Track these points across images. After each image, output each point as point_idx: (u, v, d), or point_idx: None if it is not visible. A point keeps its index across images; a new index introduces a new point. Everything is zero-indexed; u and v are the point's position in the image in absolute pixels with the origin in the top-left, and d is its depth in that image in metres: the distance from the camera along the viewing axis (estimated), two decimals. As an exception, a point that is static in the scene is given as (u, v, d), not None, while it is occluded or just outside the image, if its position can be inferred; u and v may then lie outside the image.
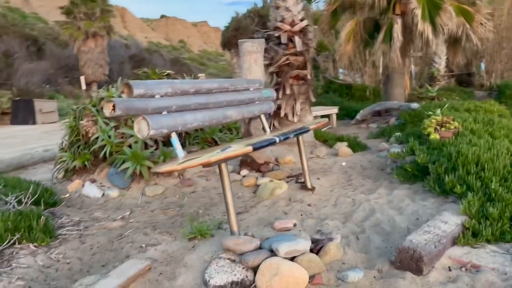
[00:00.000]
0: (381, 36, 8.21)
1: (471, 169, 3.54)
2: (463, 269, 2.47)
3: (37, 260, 2.77)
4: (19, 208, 3.57)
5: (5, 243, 2.86)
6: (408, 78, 9.84)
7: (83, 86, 22.06)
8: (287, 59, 5.70)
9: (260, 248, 2.63)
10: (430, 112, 5.40)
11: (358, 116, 8.77)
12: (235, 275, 2.42)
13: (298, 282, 2.35)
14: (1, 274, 2.53)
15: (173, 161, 2.73)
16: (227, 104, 3.54)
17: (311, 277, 2.44)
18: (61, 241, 3.11)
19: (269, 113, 4.16)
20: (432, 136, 4.55)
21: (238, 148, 2.67)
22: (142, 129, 2.70)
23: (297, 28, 5.71)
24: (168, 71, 5.51)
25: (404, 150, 4.39)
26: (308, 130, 3.66)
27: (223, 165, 2.77)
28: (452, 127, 4.61)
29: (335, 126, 8.81)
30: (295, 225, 3.13)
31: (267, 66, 5.96)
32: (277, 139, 3.07)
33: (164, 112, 2.88)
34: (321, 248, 2.70)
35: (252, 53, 4.31)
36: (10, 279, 2.47)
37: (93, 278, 2.43)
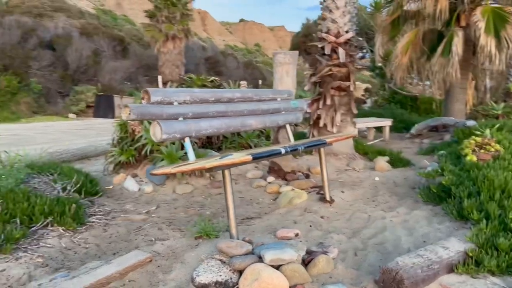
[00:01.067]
0: (440, 49, 7.84)
1: (495, 195, 3.37)
2: (450, 297, 2.40)
3: (61, 242, 3.15)
4: (62, 195, 4.04)
5: (38, 224, 3.29)
6: (472, 93, 9.28)
7: (160, 85, 23.54)
8: (330, 70, 5.71)
9: (252, 253, 2.77)
10: (478, 132, 5.15)
11: (412, 130, 8.46)
12: (220, 275, 2.58)
13: (276, 290, 2.45)
14: (27, 251, 2.92)
15: (184, 163, 2.96)
16: (248, 113, 3.71)
17: (293, 287, 2.53)
18: (87, 228, 3.48)
19: (296, 123, 4.25)
20: (468, 158, 4.34)
21: (237, 156, 2.83)
22: (156, 133, 2.97)
23: (341, 39, 5.70)
24: (213, 78, 5.78)
25: (434, 170, 4.24)
26: (325, 143, 3.70)
27: (226, 172, 2.93)
28: (493, 149, 4.36)
29: (388, 139, 8.57)
30: (297, 235, 3.20)
31: (310, 76, 6.03)
32: (283, 150, 3.16)
33: (180, 118, 3.12)
34: (311, 260, 2.77)
35: (284, 64, 4.43)
36: (32, 255, 2.85)
37: (98, 263, 2.73)
